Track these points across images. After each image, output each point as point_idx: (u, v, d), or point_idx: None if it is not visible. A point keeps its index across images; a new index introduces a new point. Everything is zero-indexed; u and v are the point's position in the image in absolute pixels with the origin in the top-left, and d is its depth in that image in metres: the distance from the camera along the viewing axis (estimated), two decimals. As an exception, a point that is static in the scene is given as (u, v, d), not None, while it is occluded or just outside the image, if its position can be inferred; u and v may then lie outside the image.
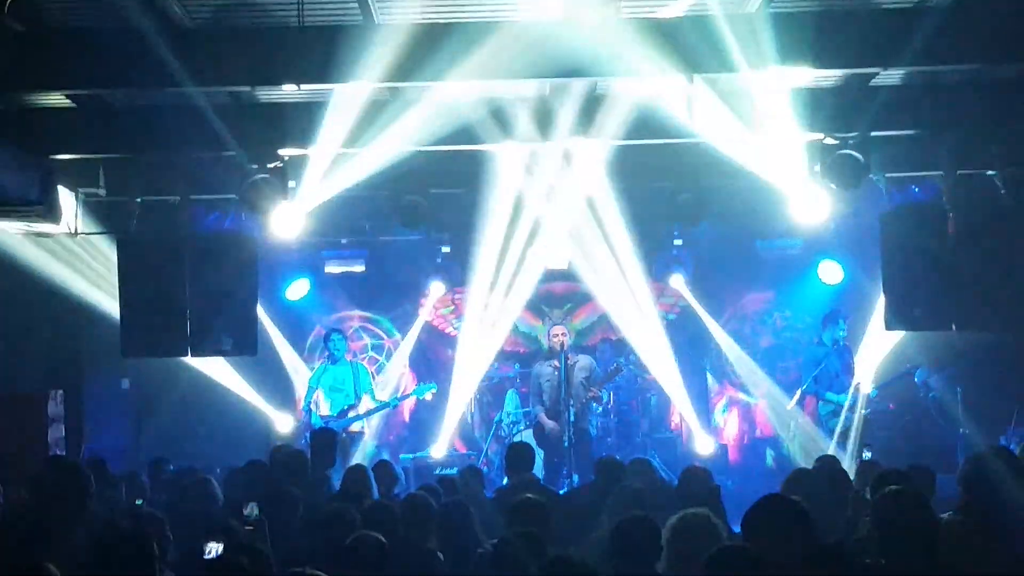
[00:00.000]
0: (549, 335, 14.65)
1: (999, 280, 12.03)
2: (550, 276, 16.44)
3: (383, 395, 15.38)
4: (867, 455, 13.24)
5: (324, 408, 14.41)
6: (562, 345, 14.21)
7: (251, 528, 7.87)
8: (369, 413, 14.58)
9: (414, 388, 15.61)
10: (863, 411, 13.95)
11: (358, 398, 14.43)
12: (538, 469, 12.30)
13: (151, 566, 6.12)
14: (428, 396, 15.32)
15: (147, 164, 12.47)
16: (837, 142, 11.53)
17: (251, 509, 8.02)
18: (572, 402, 13.87)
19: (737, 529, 8.52)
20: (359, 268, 16.13)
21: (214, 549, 6.96)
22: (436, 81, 9.77)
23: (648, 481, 9.45)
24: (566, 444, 13.71)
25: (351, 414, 14.29)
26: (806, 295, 16.61)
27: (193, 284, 12.31)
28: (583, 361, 14.50)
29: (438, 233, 15.46)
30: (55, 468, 9.45)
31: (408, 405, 16.61)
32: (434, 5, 9.40)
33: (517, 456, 10.66)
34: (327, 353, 14.84)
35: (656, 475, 9.53)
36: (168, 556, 7.44)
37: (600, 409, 15.17)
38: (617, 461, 10.38)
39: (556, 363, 14.15)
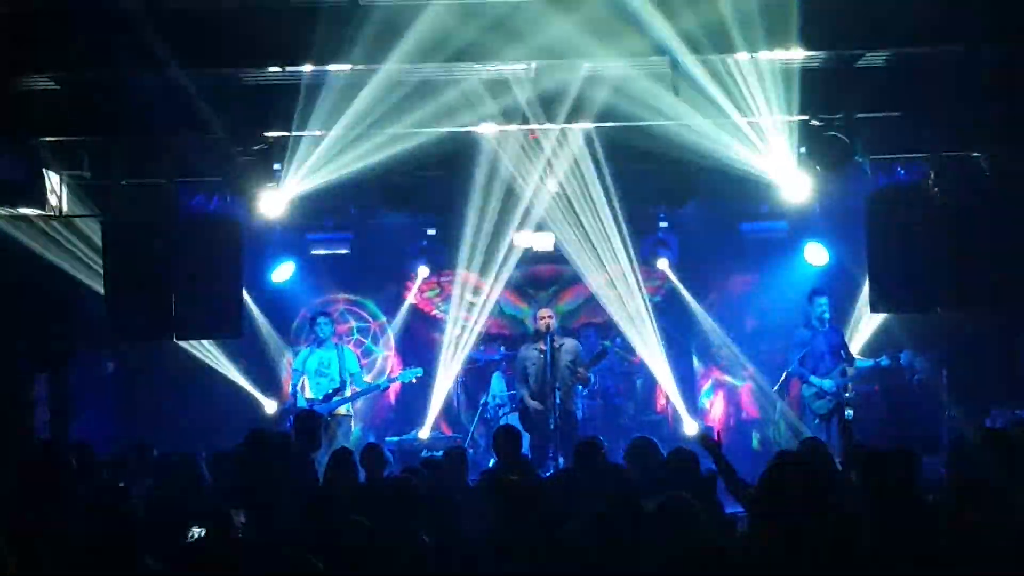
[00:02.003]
0: (535, 318, 14.58)
1: (984, 262, 12.02)
2: (536, 258, 16.43)
3: (369, 378, 15.32)
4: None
5: (309, 391, 14.35)
6: (548, 327, 14.16)
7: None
8: (355, 396, 14.52)
9: (400, 372, 15.57)
10: (847, 393, 13.93)
11: (344, 381, 14.36)
12: (524, 452, 12.28)
13: (131, 550, 6.12)
14: (414, 380, 15.25)
15: (132, 147, 12.42)
16: (823, 124, 11.56)
17: (239, 516, 8.01)
18: (558, 385, 13.82)
19: (730, 510, 8.57)
20: (344, 250, 16.10)
21: (197, 534, 6.97)
22: (420, 63, 9.75)
23: (644, 462, 9.34)
24: (552, 427, 13.67)
25: (336, 397, 14.23)
26: (792, 277, 16.54)
27: (178, 267, 12.28)
28: (569, 344, 14.40)
29: (424, 215, 15.43)
30: (40, 452, 9.47)
31: (394, 388, 16.56)
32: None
33: (503, 439, 10.67)
34: (313, 336, 14.79)
35: (657, 454, 9.43)
36: (147, 540, 7.45)
37: (586, 392, 15.13)
38: (596, 442, 10.35)
39: (542, 346, 14.09)
